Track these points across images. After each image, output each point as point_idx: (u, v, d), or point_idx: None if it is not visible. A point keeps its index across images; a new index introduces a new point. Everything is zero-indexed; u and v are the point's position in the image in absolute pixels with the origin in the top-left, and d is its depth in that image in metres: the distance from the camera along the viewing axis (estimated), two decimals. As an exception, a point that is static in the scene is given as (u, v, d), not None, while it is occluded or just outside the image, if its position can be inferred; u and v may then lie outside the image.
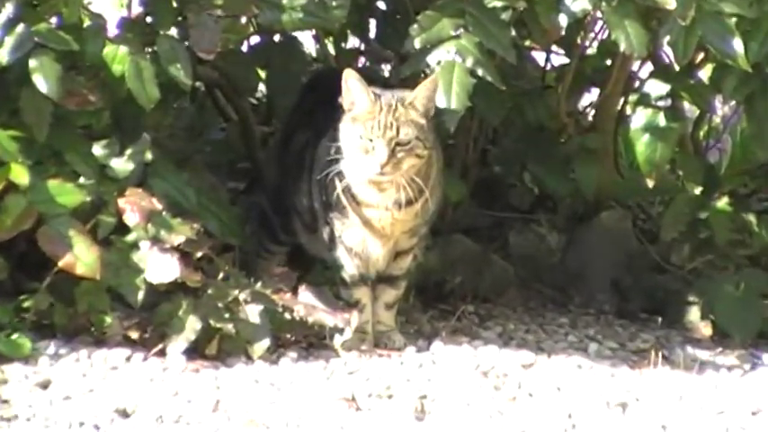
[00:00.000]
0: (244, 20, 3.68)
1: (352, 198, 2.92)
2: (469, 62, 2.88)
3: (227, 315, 2.80)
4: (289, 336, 2.96)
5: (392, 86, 3.05)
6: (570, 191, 3.66)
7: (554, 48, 3.74)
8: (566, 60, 3.67)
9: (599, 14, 3.18)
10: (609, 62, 3.61)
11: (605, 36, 3.64)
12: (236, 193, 3.91)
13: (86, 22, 2.98)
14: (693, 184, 3.53)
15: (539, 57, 3.90)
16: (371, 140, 2.80)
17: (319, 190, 3.01)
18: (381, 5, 3.61)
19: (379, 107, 2.82)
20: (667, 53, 3.40)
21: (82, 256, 2.75)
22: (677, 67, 3.29)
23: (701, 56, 3.42)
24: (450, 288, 3.50)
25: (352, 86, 2.85)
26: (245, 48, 3.80)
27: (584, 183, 3.59)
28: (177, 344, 2.75)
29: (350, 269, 2.99)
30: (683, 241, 3.61)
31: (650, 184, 3.40)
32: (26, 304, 2.85)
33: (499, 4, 3.02)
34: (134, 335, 2.85)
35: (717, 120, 4.08)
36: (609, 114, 3.69)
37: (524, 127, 3.68)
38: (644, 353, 3.21)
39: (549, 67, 3.85)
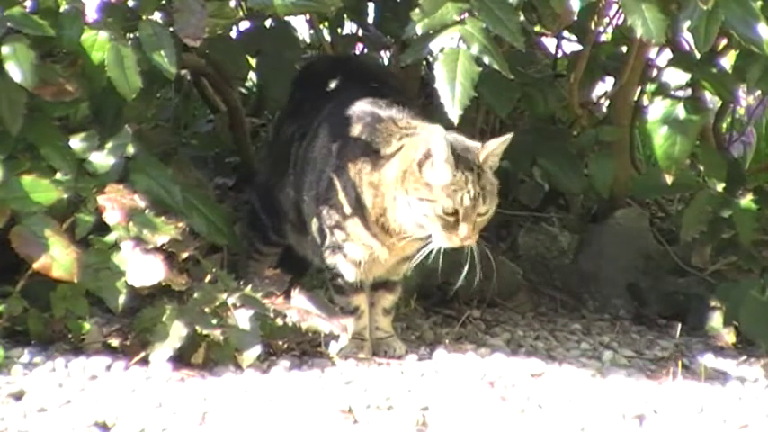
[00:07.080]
0: (233, 3, 3.69)
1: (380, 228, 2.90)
2: (475, 49, 2.88)
3: (214, 321, 2.79)
4: (281, 343, 2.96)
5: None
6: (583, 187, 3.67)
7: (566, 34, 3.75)
8: (578, 47, 3.69)
9: (614, -2, 3.20)
10: (624, 49, 3.63)
11: (621, 21, 3.66)
12: (225, 190, 3.91)
13: (63, 6, 2.98)
14: (716, 180, 3.53)
15: (549, 43, 3.92)
16: (450, 217, 2.77)
17: (318, 190, 2.98)
18: (380, -12, 3.63)
19: (463, 179, 2.75)
20: (687, 40, 3.42)
21: (58, 258, 2.75)
22: (698, 55, 3.30)
23: (723, 42, 3.44)
24: (454, 292, 3.50)
25: (436, 152, 2.75)
26: (234, 34, 3.81)
27: (599, 179, 3.60)
28: (161, 352, 2.74)
29: (350, 277, 2.98)
30: (705, 242, 3.63)
31: (669, 180, 3.40)
32: (-2, 309, 2.86)
33: (507, -13, 3.04)
34: (114, 342, 2.85)
35: (741, 111, 4.09)
36: (625, 105, 3.71)
37: (534, 119, 3.70)
38: (662, 362, 3.22)
39: (560, 54, 3.87)
